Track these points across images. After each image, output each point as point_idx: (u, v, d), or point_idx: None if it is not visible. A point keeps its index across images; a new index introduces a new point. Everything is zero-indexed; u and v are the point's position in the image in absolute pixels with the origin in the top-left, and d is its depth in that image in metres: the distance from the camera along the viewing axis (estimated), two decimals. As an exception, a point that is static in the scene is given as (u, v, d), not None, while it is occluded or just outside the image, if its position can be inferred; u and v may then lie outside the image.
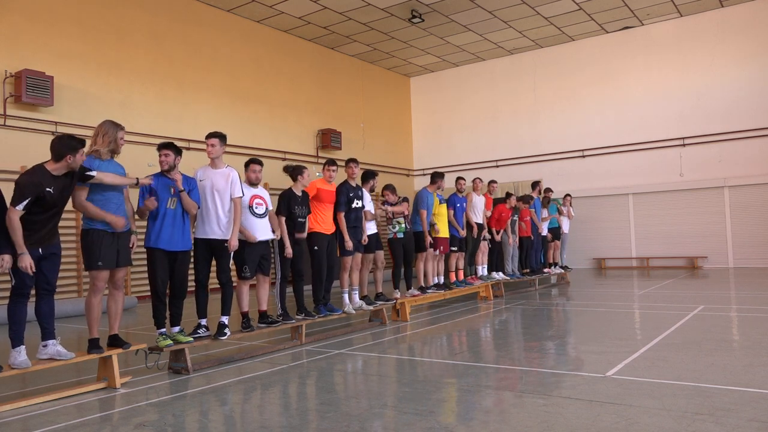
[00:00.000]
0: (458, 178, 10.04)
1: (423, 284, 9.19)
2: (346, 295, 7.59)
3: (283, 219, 6.64)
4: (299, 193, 6.79)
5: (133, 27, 12.71)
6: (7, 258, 4.35)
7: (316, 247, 7.03)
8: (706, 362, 5.03)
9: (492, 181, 11.75)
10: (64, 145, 4.52)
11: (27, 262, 4.38)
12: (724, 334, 6.37)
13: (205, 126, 13.65)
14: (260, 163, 6.42)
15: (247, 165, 6.37)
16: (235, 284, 6.30)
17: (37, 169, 4.51)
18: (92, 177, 4.73)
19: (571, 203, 13.73)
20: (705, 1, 15.42)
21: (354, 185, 7.60)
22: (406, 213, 8.55)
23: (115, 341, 5.08)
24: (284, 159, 15.53)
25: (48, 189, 4.45)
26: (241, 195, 5.89)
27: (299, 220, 6.74)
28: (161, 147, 5.55)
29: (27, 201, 4.36)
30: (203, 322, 5.89)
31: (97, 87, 11.98)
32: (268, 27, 15.73)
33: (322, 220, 7.09)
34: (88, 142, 5.07)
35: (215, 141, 5.85)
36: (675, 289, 11.25)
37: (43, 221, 4.54)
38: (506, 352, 6.01)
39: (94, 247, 4.88)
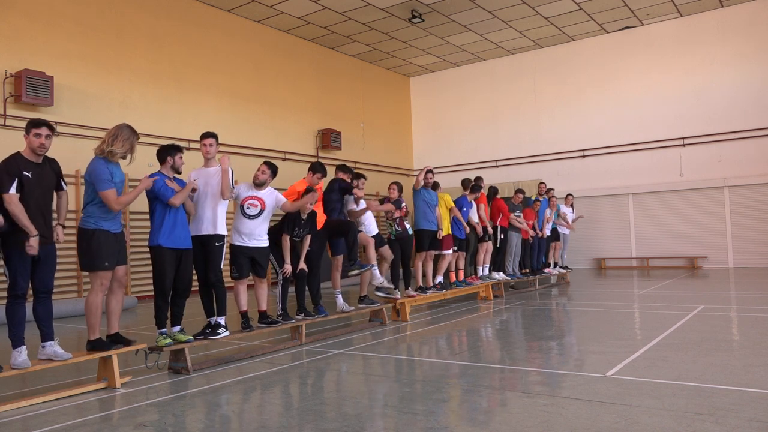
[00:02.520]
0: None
1: (422, 284, 9.18)
2: (340, 296, 7.60)
3: (288, 237, 6.60)
4: (304, 217, 6.77)
5: (133, 27, 12.71)
6: (32, 240, 4.46)
7: (310, 248, 7.03)
8: (706, 362, 5.03)
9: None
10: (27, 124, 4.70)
11: (37, 243, 4.49)
12: (724, 334, 6.37)
13: (205, 126, 13.59)
14: (269, 166, 6.39)
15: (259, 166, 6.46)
16: (232, 285, 6.32)
17: (12, 155, 4.64)
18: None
19: (572, 204, 13.74)
20: (705, 1, 15.42)
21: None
22: (397, 215, 8.51)
23: (117, 339, 5.09)
24: (284, 159, 15.53)
25: (25, 173, 4.53)
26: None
27: (295, 239, 6.73)
28: (175, 149, 5.60)
29: (14, 183, 4.45)
30: (213, 320, 5.90)
31: (97, 87, 11.98)
32: (268, 27, 15.73)
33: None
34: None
35: (212, 141, 5.87)
36: (675, 289, 11.25)
37: (29, 215, 4.52)
38: (506, 352, 6.01)
39: (102, 248, 4.90)
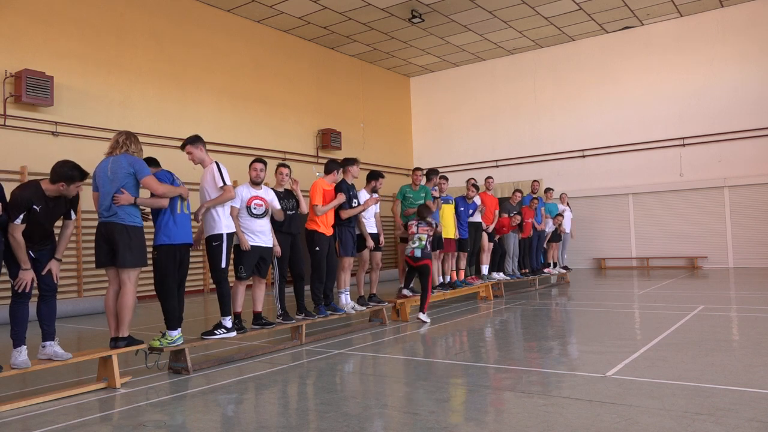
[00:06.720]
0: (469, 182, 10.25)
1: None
2: (342, 296, 7.59)
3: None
4: (281, 190, 6.73)
5: (133, 27, 12.71)
6: (27, 276, 4.49)
7: (317, 248, 7.02)
8: (706, 362, 5.03)
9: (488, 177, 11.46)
10: (63, 173, 4.53)
11: (29, 278, 4.49)
12: (724, 334, 6.37)
13: (205, 126, 13.73)
14: (263, 162, 6.40)
15: (250, 164, 6.37)
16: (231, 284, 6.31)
17: (32, 185, 4.54)
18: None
19: (567, 202, 13.75)
20: (705, 1, 15.42)
21: (350, 184, 7.60)
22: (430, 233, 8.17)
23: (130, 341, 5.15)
24: (284, 159, 15.53)
25: (35, 206, 4.45)
26: (224, 184, 5.68)
27: (287, 212, 6.63)
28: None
29: (22, 215, 4.39)
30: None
31: (97, 87, 11.98)
32: (268, 27, 15.73)
33: (324, 221, 7.09)
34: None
35: (189, 149, 5.76)
36: (675, 289, 11.25)
37: (27, 235, 4.51)
38: (506, 352, 6.01)
39: (145, 244, 5.03)
